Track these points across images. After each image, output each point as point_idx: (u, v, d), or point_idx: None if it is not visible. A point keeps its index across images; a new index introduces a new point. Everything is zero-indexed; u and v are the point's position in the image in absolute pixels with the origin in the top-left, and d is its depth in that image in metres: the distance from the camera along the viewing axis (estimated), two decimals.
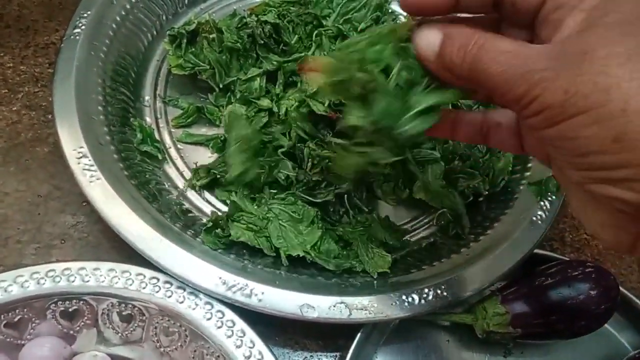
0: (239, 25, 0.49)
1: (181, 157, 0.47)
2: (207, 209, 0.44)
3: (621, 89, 0.19)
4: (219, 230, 0.40)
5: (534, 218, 0.42)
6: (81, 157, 0.40)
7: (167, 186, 0.45)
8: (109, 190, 0.39)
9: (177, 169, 0.46)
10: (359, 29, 0.49)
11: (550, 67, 0.21)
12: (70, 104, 0.42)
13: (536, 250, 0.41)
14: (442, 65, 0.25)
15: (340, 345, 0.40)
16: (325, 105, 0.42)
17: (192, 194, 0.45)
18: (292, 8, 0.52)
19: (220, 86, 0.48)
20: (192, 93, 0.50)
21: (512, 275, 0.40)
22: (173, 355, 0.36)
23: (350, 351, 0.37)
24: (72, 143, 0.40)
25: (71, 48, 0.45)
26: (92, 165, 0.39)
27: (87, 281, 0.36)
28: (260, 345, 0.34)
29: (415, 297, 0.37)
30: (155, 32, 0.52)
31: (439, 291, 0.38)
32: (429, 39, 0.25)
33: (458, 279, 0.38)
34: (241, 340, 0.34)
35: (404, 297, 0.37)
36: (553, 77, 0.21)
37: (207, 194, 0.45)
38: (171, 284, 0.36)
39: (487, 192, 0.45)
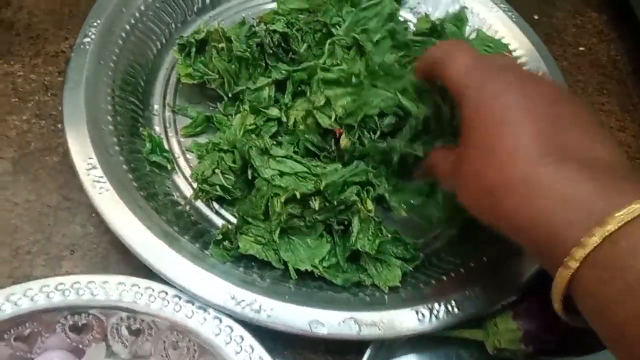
0: (248, 34, 0.49)
1: (190, 166, 0.46)
2: (216, 220, 0.44)
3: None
4: (227, 243, 0.40)
5: None
6: (91, 169, 0.40)
7: (175, 196, 0.44)
8: (118, 202, 0.38)
9: (186, 178, 0.46)
10: (374, 40, 0.48)
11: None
12: (80, 115, 0.42)
13: None
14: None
15: None
16: (332, 119, 0.42)
17: (200, 204, 0.45)
18: (300, 16, 0.52)
19: (229, 95, 0.48)
20: (201, 102, 0.50)
21: (524, 290, 0.40)
22: None
23: None
24: (82, 154, 0.40)
25: (81, 57, 0.45)
26: (101, 177, 0.39)
27: (96, 295, 0.36)
28: None
29: (426, 313, 0.37)
30: (164, 40, 0.52)
31: (450, 307, 0.37)
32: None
33: (469, 295, 0.38)
34: (250, 356, 0.34)
35: (414, 313, 0.37)
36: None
37: (215, 204, 0.45)
38: (180, 298, 0.36)
39: None
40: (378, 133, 0.43)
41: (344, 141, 0.43)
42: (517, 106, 0.29)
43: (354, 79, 0.43)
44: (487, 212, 0.30)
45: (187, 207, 0.44)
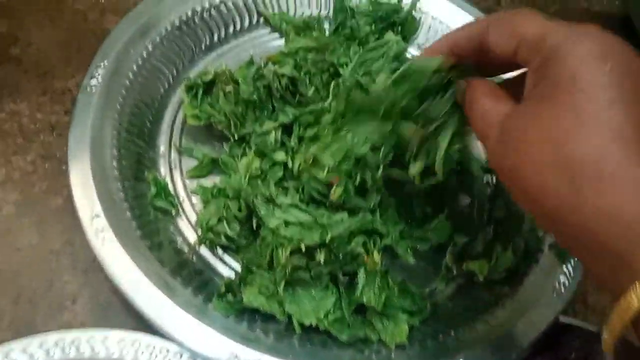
0: (256, 76, 0.49)
1: (195, 210, 0.46)
2: (220, 268, 0.43)
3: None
4: (230, 296, 0.39)
5: (557, 285, 0.41)
6: (94, 217, 0.39)
7: (179, 243, 0.44)
8: (121, 253, 0.38)
9: (190, 223, 0.45)
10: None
11: (497, 140, 0.28)
12: (85, 161, 0.42)
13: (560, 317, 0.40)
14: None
15: None
16: (325, 171, 0.41)
17: (204, 251, 0.44)
18: (309, 55, 0.51)
19: (236, 137, 0.48)
20: (208, 141, 0.50)
21: (534, 347, 0.39)
22: None
23: None
24: (86, 202, 0.40)
25: (87, 100, 0.45)
26: (105, 226, 0.39)
27: (97, 352, 0.35)
28: None
29: None
30: (171, 80, 0.52)
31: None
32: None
33: (477, 353, 0.37)
34: None
35: None
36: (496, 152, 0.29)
37: (219, 250, 0.44)
38: (181, 355, 0.35)
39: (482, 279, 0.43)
40: (380, 170, 0.41)
41: (335, 194, 0.41)
42: (626, 82, 0.24)
43: (328, 122, 0.42)
44: (542, 192, 0.25)
45: (191, 255, 0.43)
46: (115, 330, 0.36)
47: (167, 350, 0.35)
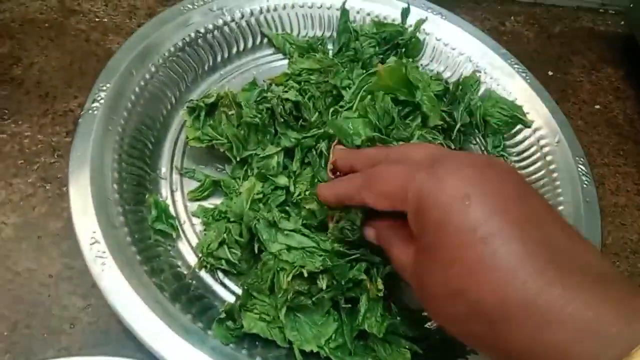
0: (258, 99, 0.49)
1: (195, 232, 0.45)
2: (220, 292, 0.43)
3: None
4: (230, 323, 0.39)
5: None
6: (94, 243, 0.39)
7: (179, 266, 0.43)
8: (120, 280, 0.37)
9: (191, 246, 0.45)
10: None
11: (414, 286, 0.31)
12: (85, 185, 0.41)
13: None
14: None
15: None
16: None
17: (204, 274, 0.43)
18: (312, 77, 0.51)
19: (238, 159, 0.47)
20: (209, 164, 0.49)
21: None
22: None
23: None
24: (86, 228, 0.39)
25: (89, 124, 0.45)
26: (104, 252, 0.38)
27: None
28: None
29: None
30: (174, 101, 0.52)
31: None
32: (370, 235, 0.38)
33: None
34: None
35: None
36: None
37: (220, 274, 0.44)
38: None
39: None
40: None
41: (330, 232, 0.40)
42: (490, 209, 0.25)
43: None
44: (473, 337, 0.26)
45: (191, 280, 0.42)
46: (115, 358, 0.35)
47: None
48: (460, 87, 0.53)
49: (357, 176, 0.35)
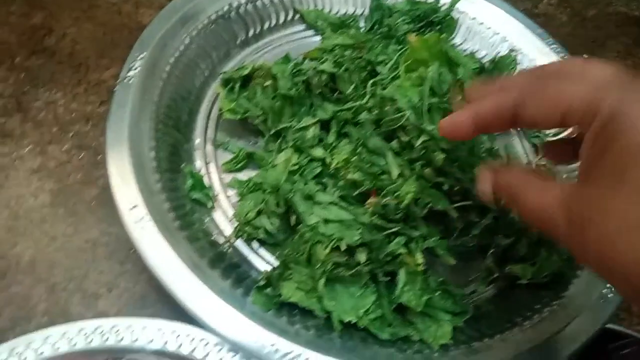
0: (294, 71, 0.48)
1: (231, 203, 0.45)
2: (255, 261, 0.42)
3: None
4: (270, 290, 0.39)
5: (604, 291, 0.39)
6: (133, 208, 0.39)
7: (215, 235, 0.43)
8: (160, 242, 0.37)
9: (226, 216, 0.45)
10: None
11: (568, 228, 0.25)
12: (123, 151, 0.41)
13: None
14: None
15: None
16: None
17: (240, 244, 0.43)
18: (345, 53, 0.51)
19: (272, 132, 0.47)
20: (243, 136, 0.49)
21: (580, 354, 0.37)
22: None
23: None
24: (125, 192, 0.39)
25: (125, 92, 0.44)
26: (143, 217, 0.38)
27: (136, 339, 0.34)
28: None
29: None
30: (207, 73, 0.52)
31: None
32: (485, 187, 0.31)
33: (524, 358, 0.36)
34: None
35: None
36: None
37: (255, 244, 0.43)
38: (222, 347, 0.34)
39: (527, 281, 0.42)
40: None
41: (371, 206, 0.40)
42: None
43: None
44: None
45: (227, 248, 0.42)
46: (155, 319, 0.35)
47: (207, 342, 0.34)
48: (497, 65, 0.52)
49: (513, 86, 0.29)
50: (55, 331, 0.34)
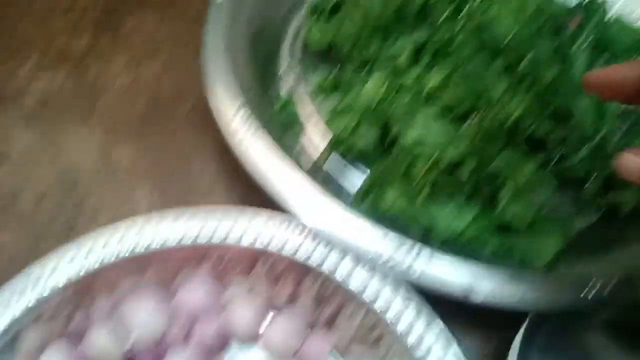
0: None
1: (319, 129, 0.45)
2: (351, 178, 0.43)
3: None
4: (370, 198, 0.38)
5: None
6: (236, 112, 0.39)
7: (307, 155, 0.43)
8: (267, 146, 0.38)
9: (312, 142, 0.44)
10: None
11: None
12: (221, 66, 0.42)
13: None
14: None
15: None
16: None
17: (333, 163, 0.43)
18: None
19: (360, 60, 0.47)
20: (328, 64, 0.49)
21: None
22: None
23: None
24: (225, 103, 0.39)
25: (219, 13, 0.45)
26: (248, 117, 0.39)
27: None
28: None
29: (588, 290, 0.34)
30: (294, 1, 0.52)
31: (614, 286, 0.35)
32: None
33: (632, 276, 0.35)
34: None
35: (575, 288, 0.34)
36: None
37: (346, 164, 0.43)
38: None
39: None
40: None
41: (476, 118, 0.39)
42: None
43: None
44: None
45: (322, 163, 0.42)
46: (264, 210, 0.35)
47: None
48: (586, 10, 0.51)
49: None
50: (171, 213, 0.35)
